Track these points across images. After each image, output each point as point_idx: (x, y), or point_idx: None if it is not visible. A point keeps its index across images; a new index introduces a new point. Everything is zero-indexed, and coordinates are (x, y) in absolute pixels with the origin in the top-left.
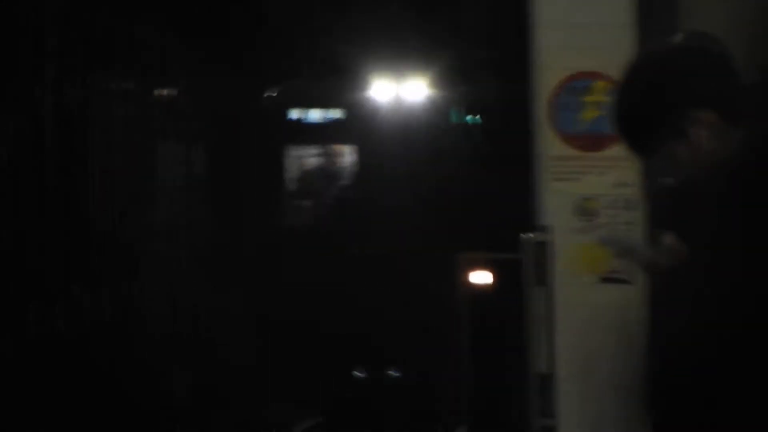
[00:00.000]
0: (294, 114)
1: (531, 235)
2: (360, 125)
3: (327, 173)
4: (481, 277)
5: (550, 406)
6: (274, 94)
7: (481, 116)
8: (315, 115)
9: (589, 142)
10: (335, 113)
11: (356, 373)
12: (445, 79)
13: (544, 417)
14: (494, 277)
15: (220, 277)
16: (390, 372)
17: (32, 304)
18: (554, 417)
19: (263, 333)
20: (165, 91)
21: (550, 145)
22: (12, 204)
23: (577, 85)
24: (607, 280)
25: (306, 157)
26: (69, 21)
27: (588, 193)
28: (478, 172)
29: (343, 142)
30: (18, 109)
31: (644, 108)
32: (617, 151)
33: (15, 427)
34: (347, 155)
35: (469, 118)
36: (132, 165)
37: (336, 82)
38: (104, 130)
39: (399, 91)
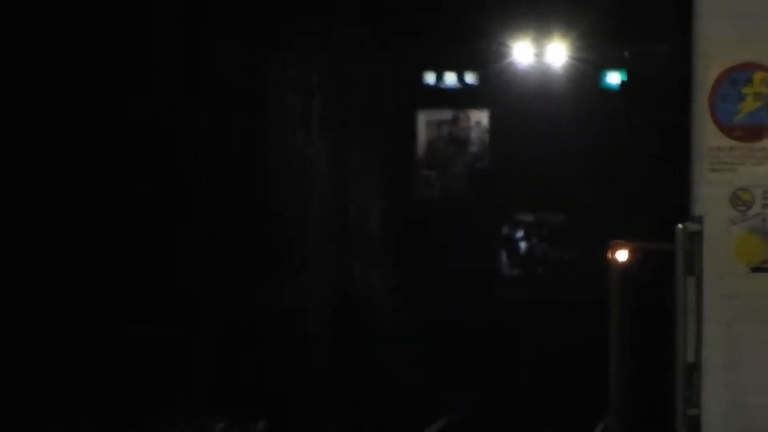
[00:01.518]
0: (429, 78)
1: (683, 225)
2: (499, 89)
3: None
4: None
5: (696, 396)
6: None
7: (630, 81)
8: (452, 79)
9: (748, 132)
10: (472, 77)
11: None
12: (595, 41)
13: (690, 407)
14: (646, 266)
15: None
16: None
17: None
18: (699, 407)
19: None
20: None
21: (708, 136)
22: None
23: (737, 76)
24: (758, 269)
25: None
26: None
27: (744, 184)
28: (627, 144)
29: (479, 107)
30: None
31: None
32: None
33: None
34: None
35: (616, 83)
36: (298, 153)
37: (474, 45)
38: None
39: (543, 54)
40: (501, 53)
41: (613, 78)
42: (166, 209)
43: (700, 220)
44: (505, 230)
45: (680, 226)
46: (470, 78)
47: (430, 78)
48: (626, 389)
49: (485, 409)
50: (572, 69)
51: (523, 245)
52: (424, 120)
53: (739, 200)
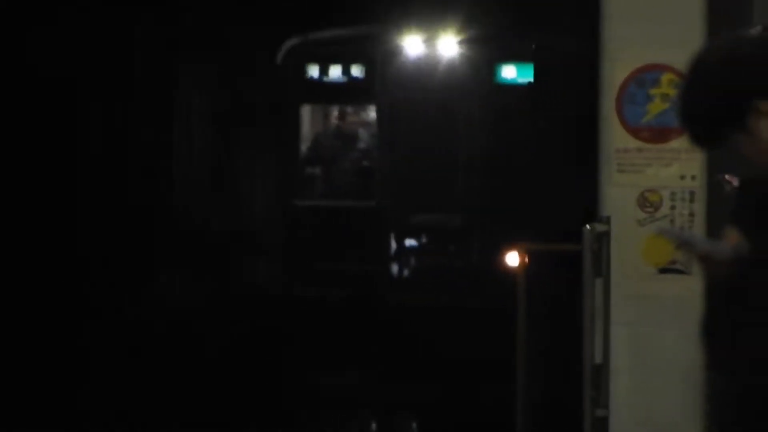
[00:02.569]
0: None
1: (591, 226)
2: (389, 84)
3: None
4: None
5: (603, 398)
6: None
7: (534, 76)
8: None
9: (655, 134)
10: (359, 70)
11: None
12: (490, 33)
13: (598, 407)
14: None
15: None
16: None
17: None
18: (608, 408)
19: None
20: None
21: (616, 137)
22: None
23: (645, 77)
24: (665, 271)
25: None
26: None
27: (652, 185)
28: (526, 139)
29: (367, 102)
30: None
31: (709, 100)
32: (682, 143)
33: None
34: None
35: (515, 78)
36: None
37: (362, 35)
38: None
39: (434, 46)
40: (391, 45)
41: (509, 72)
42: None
43: (608, 221)
44: (396, 232)
45: (588, 227)
46: (357, 71)
47: (314, 71)
48: (533, 394)
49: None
50: (466, 62)
51: (414, 249)
52: (308, 114)
53: (646, 202)
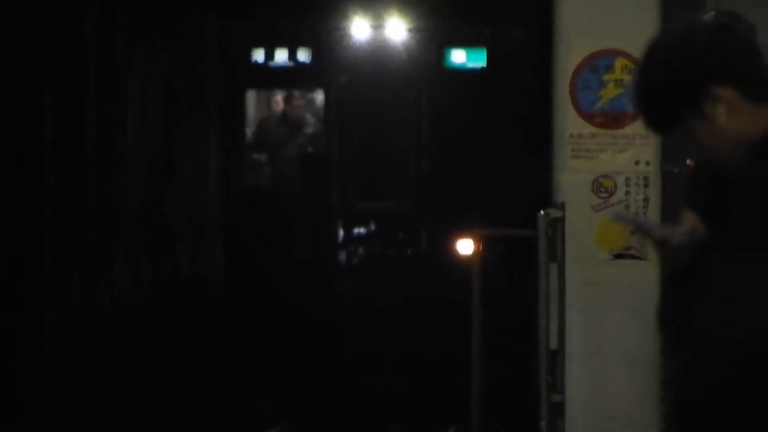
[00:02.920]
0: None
1: (545, 211)
2: (334, 68)
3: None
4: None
5: (559, 382)
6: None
7: (485, 59)
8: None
9: (609, 119)
10: (305, 54)
11: None
12: (438, 14)
13: (554, 392)
14: (507, 252)
15: None
16: None
17: None
18: (563, 393)
19: None
20: None
21: (569, 123)
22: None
23: (598, 63)
24: (620, 256)
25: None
26: None
27: (606, 171)
28: (475, 124)
29: (313, 87)
30: None
31: (664, 85)
32: (636, 128)
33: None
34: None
35: (465, 62)
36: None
37: (306, 18)
38: None
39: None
40: (337, 28)
41: (458, 56)
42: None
43: (562, 206)
44: (342, 220)
45: (542, 212)
46: (303, 55)
47: (259, 56)
48: (488, 381)
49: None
50: (415, 45)
51: (360, 237)
52: (253, 99)
53: (601, 187)
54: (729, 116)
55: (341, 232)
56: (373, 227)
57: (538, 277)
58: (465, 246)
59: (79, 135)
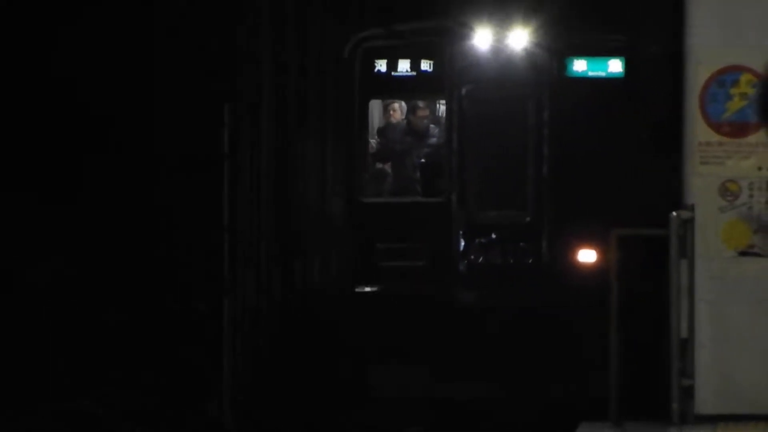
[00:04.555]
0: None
1: (677, 213)
2: (458, 78)
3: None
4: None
5: (689, 368)
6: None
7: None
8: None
9: (735, 129)
10: (428, 65)
11: None
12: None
13: (684, 378)
14: (642, 250)
15: None
16: None
17: None
18: (693, 378)
19: None
20: None
21: (699, 132)
22: None
23: (725, 78)
24: (745, 254)
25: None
26: None
27: (731, 176)
28: (596, 134)
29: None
30: None
31: None
32: (760, 137)
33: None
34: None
35: (586, 71)
36: None
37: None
38: None
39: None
40: (460, 38)
41: (580, 66)
42: None
43: (692, 208)
44: (464, 230)
45: (674, 213)
46: (426, 65)
47: (381, 65)
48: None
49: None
50: (536, 56)
51: (484, 247)
52: (378, 108)
53: (727, 191)
54: None
55: (462, 242)
56: (493, 236)
57: (669, 273)
58: (586, 255)
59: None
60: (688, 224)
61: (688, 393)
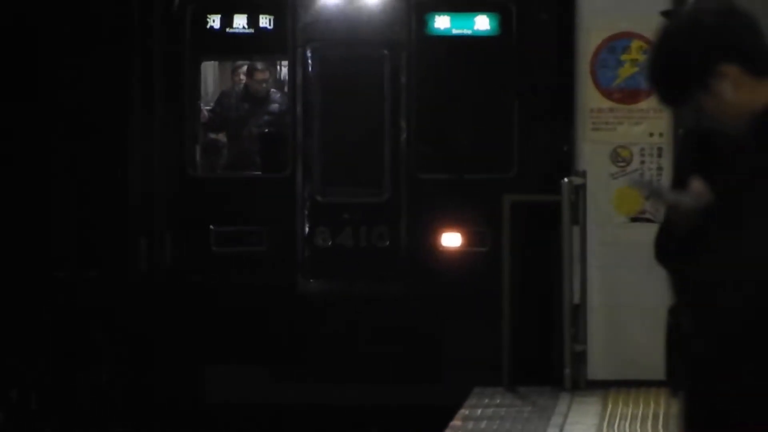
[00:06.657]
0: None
1: (569, 179)
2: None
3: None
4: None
5: (581, 333)
6: None
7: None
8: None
9: (626, 95)
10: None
11: None
12: None
13: (576, 343)
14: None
15: None
16: None
17: None
18: (585, 343)
19: None
20: None
21: (590, 98)
22: None
23: (616, 44)
24: (636, 219)
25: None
26: None
27: (623, 142)
28: (460, 99)
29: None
30: None
31: (675, 64)
32: (650, 104)
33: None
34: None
35: (449, 29)
36: None
37: None
38: None
39: None
40: None
41: (442, 22)
42: None
43: (584, 174)
44: (310, 210)
45: (566, 179)
46: (265, 21)
47: (214, 21)
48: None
49: None
50: (394, 11)
51: (333, 229)
52: (212, 70)
53: (618, 157)
54: (733, 91)
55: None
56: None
57: (562, 239)
58: (451, 238)
59: None
60: (579, 190)
61: (581, 358)
